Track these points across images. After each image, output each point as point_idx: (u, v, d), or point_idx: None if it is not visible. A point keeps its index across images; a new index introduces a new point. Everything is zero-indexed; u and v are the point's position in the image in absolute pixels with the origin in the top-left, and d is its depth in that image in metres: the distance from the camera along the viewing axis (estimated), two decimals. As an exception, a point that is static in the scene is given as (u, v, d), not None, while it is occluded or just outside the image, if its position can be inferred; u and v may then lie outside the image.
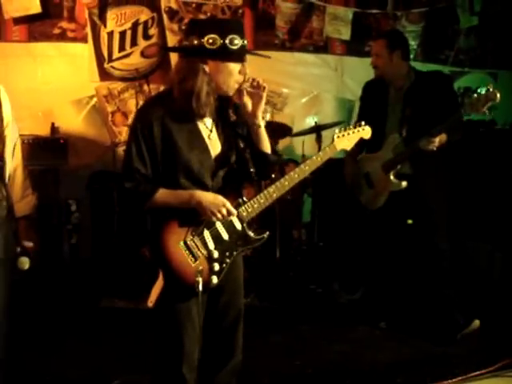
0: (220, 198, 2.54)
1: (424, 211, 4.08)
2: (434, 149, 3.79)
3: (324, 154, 2.76)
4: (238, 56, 2.54)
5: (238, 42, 2.49)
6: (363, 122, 2.90)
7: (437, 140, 3.77)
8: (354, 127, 2.86)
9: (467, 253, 5.01)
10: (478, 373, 3.44)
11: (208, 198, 2.53)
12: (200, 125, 2.60)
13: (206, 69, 2.50)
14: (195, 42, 2.48)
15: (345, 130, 2.83)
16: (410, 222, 4.25)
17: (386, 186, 4.09)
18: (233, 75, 2.55)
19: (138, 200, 2.54)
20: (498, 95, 3.50)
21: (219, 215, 2.53)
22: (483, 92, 3.53)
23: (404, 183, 4.01)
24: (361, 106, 4.42)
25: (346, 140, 2.82)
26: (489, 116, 3.62)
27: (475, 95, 3.55)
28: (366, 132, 2.90)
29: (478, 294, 4.72)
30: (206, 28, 2.49)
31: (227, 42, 2.47)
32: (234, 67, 2.54)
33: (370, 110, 4.25)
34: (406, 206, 4.12)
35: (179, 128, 2.54)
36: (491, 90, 3.51)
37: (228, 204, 2.55)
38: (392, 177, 4.04)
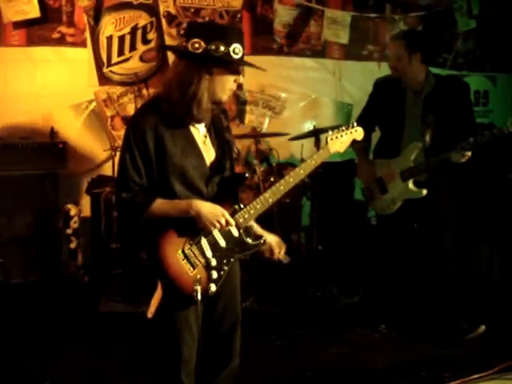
0: (218, 208, 2.53)
1: (434, 216, 4.05)
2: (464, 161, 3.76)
3: (318, 156, 2.75)
4: (238, 66, 2.55)
5: (239, 51, 2.49)
6: (355, 123, 2.87)
7: (470, 154, 3.73)
8: (347, 128, 2.82)
9: (466, 255, 5.01)
10: (477, 376, 3.44)
11: (207, 207, 2.51)
12: (194, 131, 2.59)
13: (207, 75, 2.48)
14: (197, 45, 2.44)
15: (338, 131, 2.80)
16: (415, 225, 4.25)
17: (402, 193, 4.02)
18: (230, 83, 2.55)
19: (135, 211, 2.51)
20: None
21: (218, 225, 2.52)
22: None
23: (424, 191, 3.94)
24: (368, 104, 4.29)
25: (339, 142, 2.80)
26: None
27: None
28: (358, 133, 2.87)
29: (476, 296, 4.72)
30: (212, 34, 2.47)
31: (231, 50, 2.46)
32: (232, 76, 2.54)
33: (382, 110, 4.14)
34: (410, 211, 4.08)
35: (173, 135, 2.52)
36: None
37: (226, 214, 2.53)
38: (411, 184, 3.99)
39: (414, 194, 3.98)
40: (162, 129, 2.50)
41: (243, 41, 2.54)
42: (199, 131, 2.61)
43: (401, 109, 4.05)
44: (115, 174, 5.11)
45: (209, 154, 2.63)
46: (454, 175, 4.05)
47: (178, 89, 2.48)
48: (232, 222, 2.56)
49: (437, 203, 4.02)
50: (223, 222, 2.52)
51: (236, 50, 2.47)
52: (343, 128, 2.83)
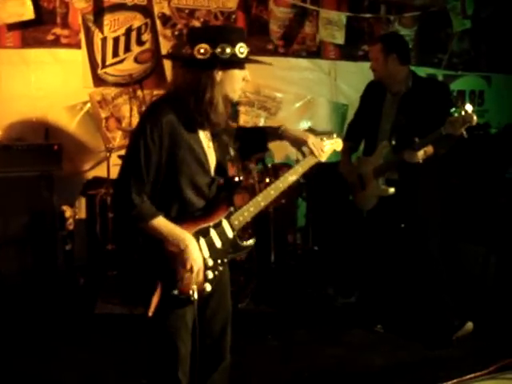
0: (201, 261, 2.50)
1: (413, 217, 4.11)
2: (420, 161, 3.84)
3: (305, 163, 2.87)
4: (244, 64, 2.56)
5: (244, 50, 2.51)
6: (335, 135, 3.02)
7: (419, 154, 3.82)
8: (328, 139, 2.97)
9: (462, 255, 5.01)
10: (473, 375, 3.44)
11: (194, 254, 2.48)
12: (201, 134, 2.59)
13: (218, 78, 2.49)
14: (203, 51, 2.44)
15: (321, 140, 2.92)
16: (402, 225, 4.27)
17: (375, 191, 4.15)
18: (239, 82, 2.57)
19: (137, 217, 2.45)
20: (475, 118, 3.52)
21: (190, 274, 2.48)
22: (462, 113, 3.53)
23: (391, 190, 4.05)
24: (359, 105, 4.46)
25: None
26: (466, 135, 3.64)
27: (456, 114, 3.55)
28: (337, 144, 3.03)
29: (472, 296, 4.73)
30: (216, 37, 2.47)
31: (237, 50, 2.48)
32: (241, 75, 2.56)
33: (367, 111, 4.31)
34: (399, 211, 4.14)
35: (184, 136, 2.51)
36: (469, 111, 3.52)
37: (201, 271, 2.51)
38: (381, 182, 4.10)
39: (382, 191, 4.09)
40: (178, 129, 2.48)
41: (245, 38, 2.56)
42: (205, 134, 2.62)
43: (378, 110, 4.19)
44: (110, 176, 5.13)
45: (211, 157, 2.64)
46: (427, 175, 4.04)
47: (192, 96, 2.48)
48: (201, 280, 2.52)
49: (413, 203, 4.08)
50: (196, 273, 2.48)
51: (241, 49, 2.50)
52: (324, 138, 2.96)
